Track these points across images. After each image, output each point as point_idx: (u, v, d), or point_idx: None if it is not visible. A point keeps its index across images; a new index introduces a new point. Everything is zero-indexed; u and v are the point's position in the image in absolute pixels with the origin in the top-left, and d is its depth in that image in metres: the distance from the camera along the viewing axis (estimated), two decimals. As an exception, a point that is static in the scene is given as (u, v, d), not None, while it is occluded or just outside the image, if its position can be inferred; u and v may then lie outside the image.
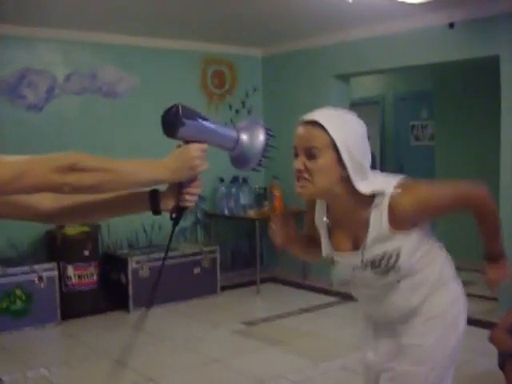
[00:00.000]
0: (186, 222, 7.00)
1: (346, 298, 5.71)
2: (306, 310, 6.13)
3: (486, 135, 7.09)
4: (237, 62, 7.50)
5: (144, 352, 4.85)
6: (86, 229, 5.86)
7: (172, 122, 1.55)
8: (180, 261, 6.33)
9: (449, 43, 5.75)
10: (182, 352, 4.97)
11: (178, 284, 6.26)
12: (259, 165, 1.72)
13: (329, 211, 2.19)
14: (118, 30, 6.32)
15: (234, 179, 7.08)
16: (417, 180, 2.10)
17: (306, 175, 1.98)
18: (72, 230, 5.80)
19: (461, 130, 7.76)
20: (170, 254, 6.31)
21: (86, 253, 5.89)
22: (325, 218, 2.19)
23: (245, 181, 7.15)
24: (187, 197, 1.69)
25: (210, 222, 7.28)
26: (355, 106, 7.45)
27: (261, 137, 1.70)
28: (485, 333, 3.63)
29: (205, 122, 1.62)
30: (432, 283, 2.16)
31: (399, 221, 2.01)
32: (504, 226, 5.32)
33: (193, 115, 1.59)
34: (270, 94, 7.65)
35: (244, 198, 7.08)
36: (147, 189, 1.70)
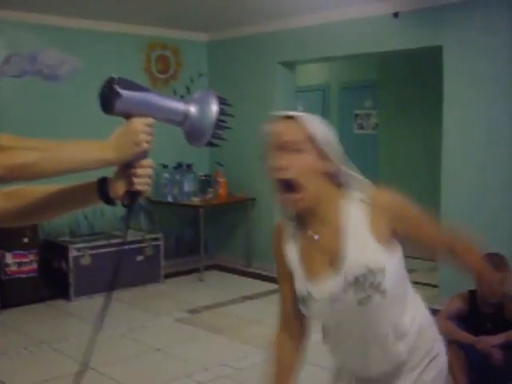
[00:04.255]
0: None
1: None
2: (250, 298, 6.13)
3: (428, 125, 7.20)
4: (182, 47, 7.40)
5: (84, 341, 4.76)
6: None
7: (107, 95, 1.42)
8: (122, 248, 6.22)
9: (393, 33, 5.79)
10: (124, 341, 4.90)
11: (121, 271, 6.13)
12: (216, 138, 1.55)
13: (299, 232, 1.99)
14: (59, 12, 6.14)
15: (178, 165, 6.99)
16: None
17: (294, 180, 1.83)
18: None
19: (404, 120, 7.86)
20: (112, 241, 6.21)
21: (26, 240, 5.75)
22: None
23: (189, 167, 7.07)
24: (137, 180, 1.52)
25: (153, 209, 7.19)
26: (300, 93, 7.45)
27: (213, 107, 1.54)
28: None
29: (145, 94, 1.48)
30: (416, 331, 2.04)
31: (376, 217, 1.86)
32: (445, 212, 5.39)
33: (131, 86, 1.45)
34: (215, 79, 7.58)
35: (188, 185, 6.99)
36: (94, 179, 1.57)
